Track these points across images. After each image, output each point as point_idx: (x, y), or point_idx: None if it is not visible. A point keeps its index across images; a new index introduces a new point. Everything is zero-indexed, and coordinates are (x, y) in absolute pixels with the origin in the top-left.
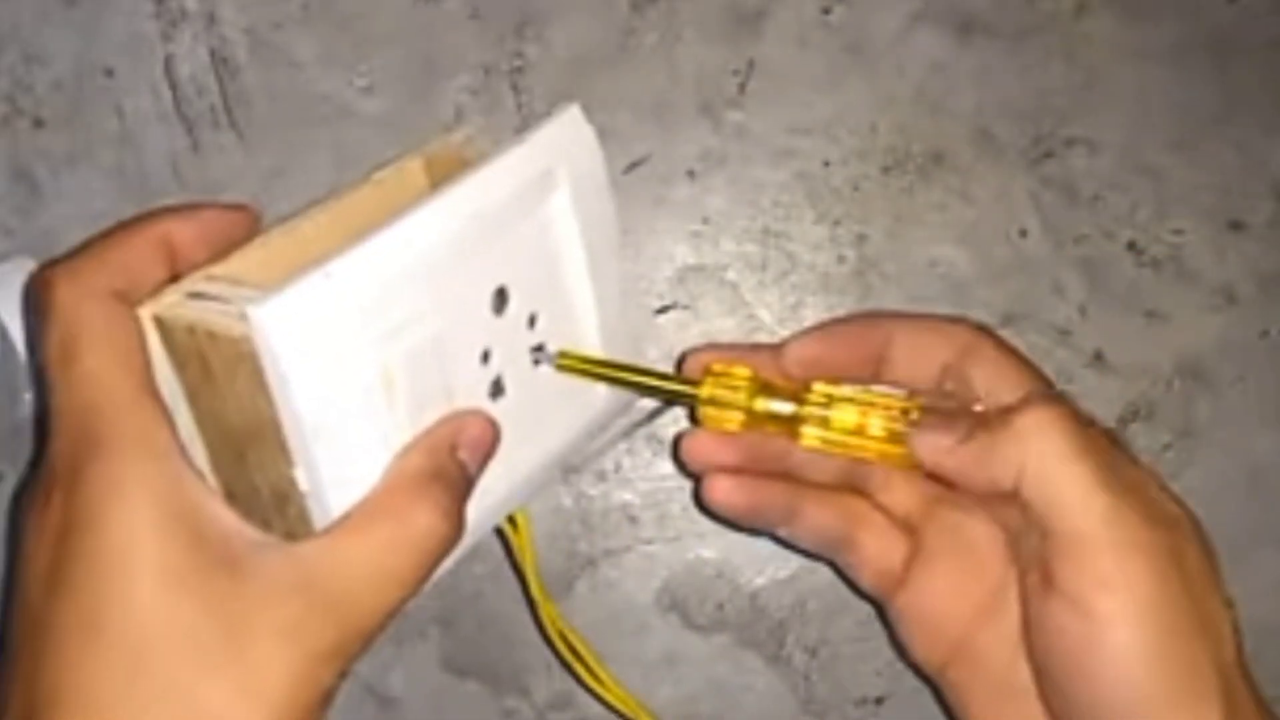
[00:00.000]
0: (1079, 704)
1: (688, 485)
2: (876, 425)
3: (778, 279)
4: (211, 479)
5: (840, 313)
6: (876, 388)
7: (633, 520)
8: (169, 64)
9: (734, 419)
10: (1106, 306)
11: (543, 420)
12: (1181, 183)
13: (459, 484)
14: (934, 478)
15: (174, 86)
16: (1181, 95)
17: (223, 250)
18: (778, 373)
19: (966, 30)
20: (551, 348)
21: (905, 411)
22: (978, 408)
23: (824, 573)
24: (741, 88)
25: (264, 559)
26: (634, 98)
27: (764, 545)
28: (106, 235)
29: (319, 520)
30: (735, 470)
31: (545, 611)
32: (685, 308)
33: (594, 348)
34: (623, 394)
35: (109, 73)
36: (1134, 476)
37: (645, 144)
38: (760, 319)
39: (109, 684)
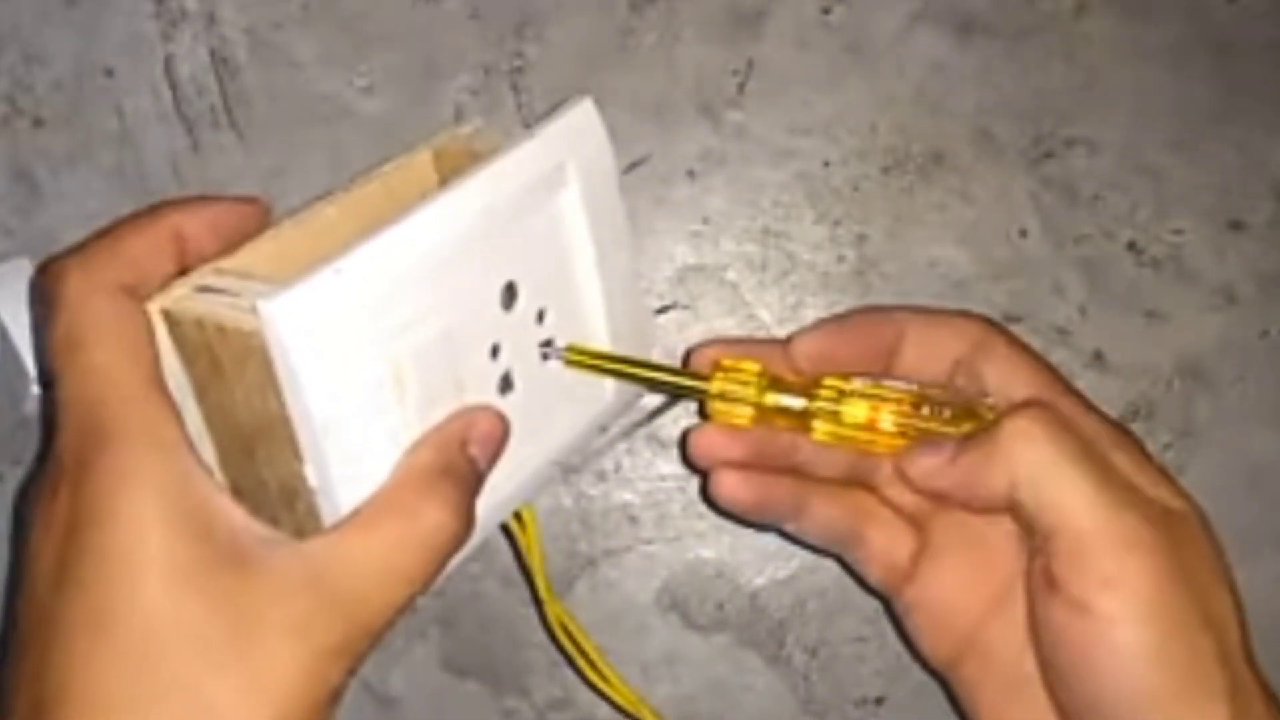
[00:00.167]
0: (1085, 701)
1: (688, 485)
2: (888, 420)
3: (778, 279)
4: (219, 474)
5: (841, 312)
6: (887, 382)
7: (633, 520)
8: (169, 64)
9: (744, 414)
10: (1106, 306)
11: (551, 415)
12: (1181, 183)
13: (469, 480)
14: (934, 498)
15: (174, 86)
16: (1181, 95)
17: (232, 244)
18: (786, 367)
19: (966, 30)
20: (560, 343)
21: (916, 406)
22: (989, 402)
23: (824, 572)
24: (741, 88)
25: (272, 555)
26: (634, 97)
27: (764, 545)
28: (115, 228)
29: (328, 517)
30: (742, 465)
31: (552, 610)
32: (685, 308)
33: (602, 343)
34: (630, 389)
35: (109, 73)
36: (1128, 473)
37: (645, 144)
38: (760, 319)
39: (116, 681)
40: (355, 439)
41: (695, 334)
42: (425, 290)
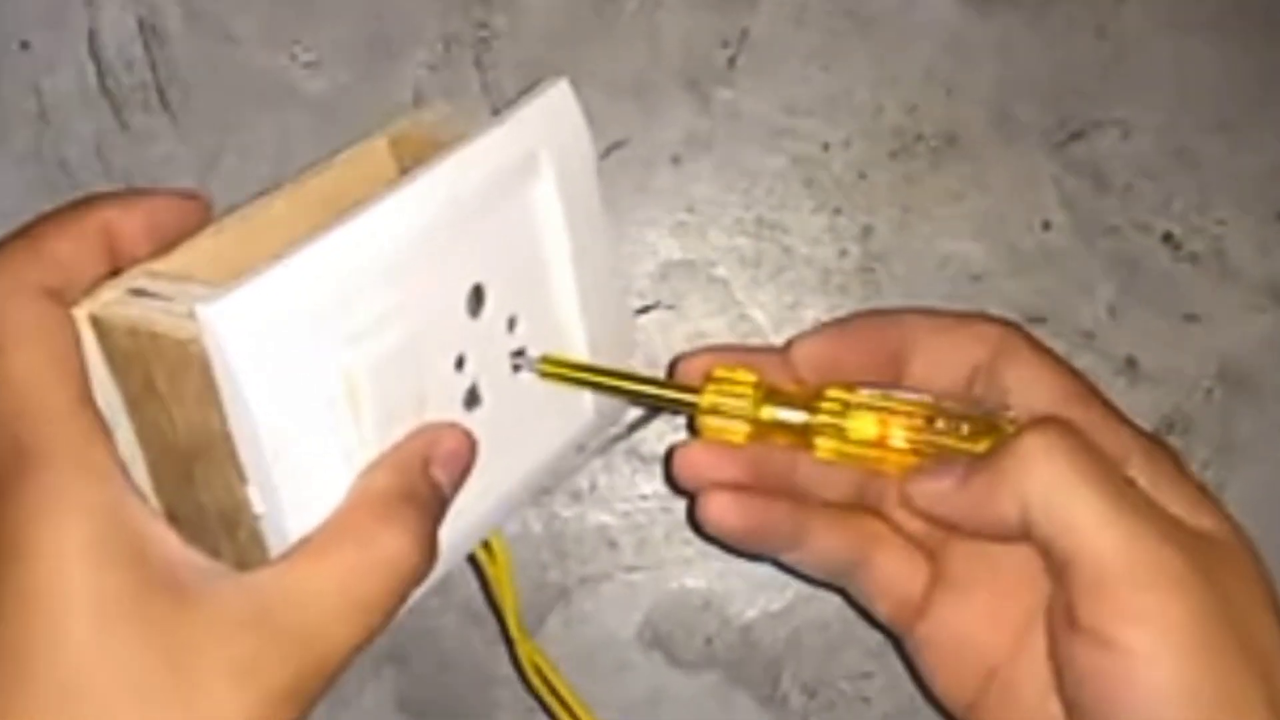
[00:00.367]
0: None
1: (673, 506)
2: (899, 435)
3: (772, 276)
4: (153, 499)
5: (842, 314)
6: (897, 393)
7: (611, 545)
8: (93, 37)
9: (738, 430)
10: (1139, 307)
11: (523, 433)
12: (1223, 169)
13: (432, 505)
14: (942, 526)
15: (98, 61)
16: (1224, 72)
17: (169, 243)
18: (785, 377)
19: None
20: (533, 352)
21: (930, 420)
22: (1010, 415)
23: (823, 602)
24: (731, 62)
25: (213, 588)
26: (611, 73)
27: (756, 573)
28: (37, 225)
29: (275, 545)
30: (735, 487)
31: (523, 650)
32: (669, 308)
33: (580, 353)
34: (611, 404)
35: (25, 45)
36: (1157, 493)
37: (624, 126)
38: (753, 320)
39: None
40: (305, 459)
41: (679, 337)
42: (383, 294)
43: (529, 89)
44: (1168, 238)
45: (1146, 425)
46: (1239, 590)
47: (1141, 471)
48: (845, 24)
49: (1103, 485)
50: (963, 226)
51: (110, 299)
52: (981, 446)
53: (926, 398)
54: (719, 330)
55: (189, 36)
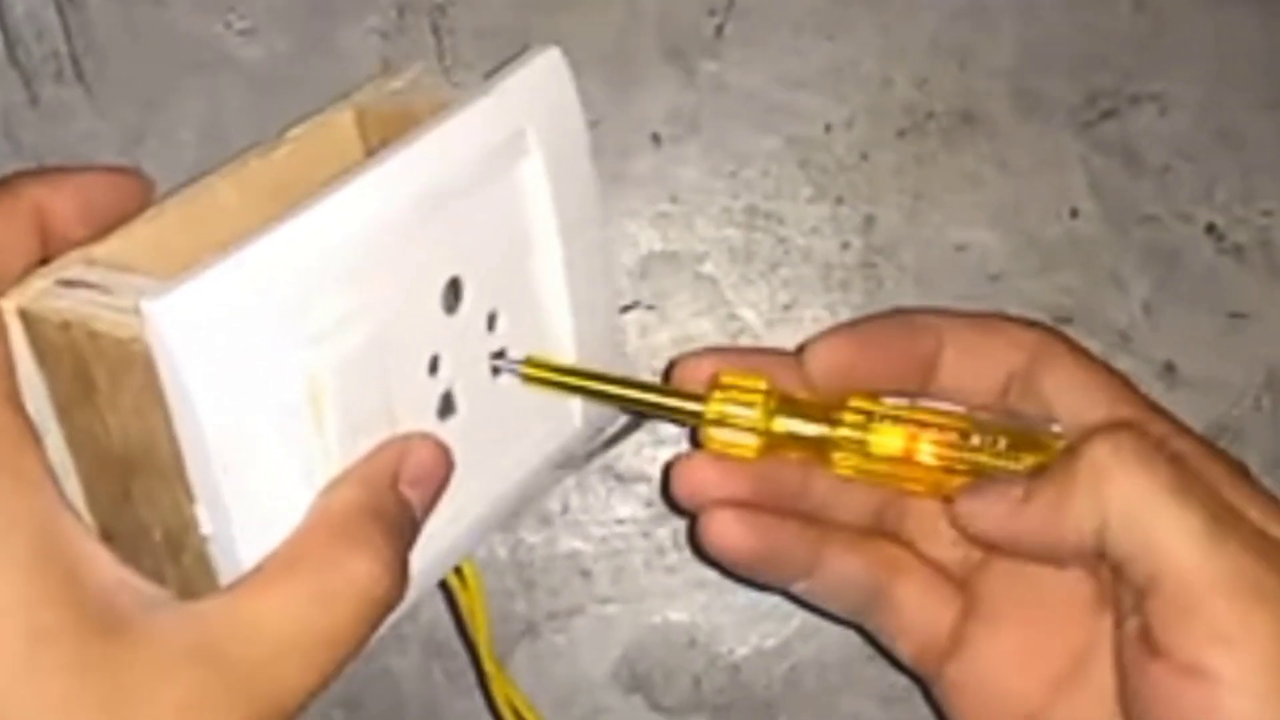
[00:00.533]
0: None
1: (653, 530)
2: (927, 451)
3: (766, 272)
4: (86, 516)
5: (844, 313)
6: (925, 403)
7: (584, 575)
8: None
9: (748, 443)
10: (1178, 306)
11: (504, 445)
12: (1272, 151)
13: (402, 526)
14: (992, 550)
15: (5, 29)
16: (1271, 43)
17: (106, 227)
18: (799, 384)
19: None
20: (515, 354)
21: (964, 434)
22: (1055, 429)
23: (824, 639)
24: (719, 30)
25: (155, 620)
26: (583, 43)
27: (749, 605)
28: None
29: (225, 571)
30: (741, 505)
31: (498, 688)
32: (649, 307)
33: (568, 355)
34: (602, 413)
35: None
36: (1243, 508)
37: (599, 102)
38: (744, 321)
39: None
40: (260, 474)
41: (662, 341)
42: (348, 289)
43: (499, 61)
44: (1210, 229)
45: None
46: None
47: (1216, 484)
48: None
49: (1188, 496)
50: (979, 215)
51: (41, 289)
52: (1023, 464)
53: (960, 409)
54: (706, 333)
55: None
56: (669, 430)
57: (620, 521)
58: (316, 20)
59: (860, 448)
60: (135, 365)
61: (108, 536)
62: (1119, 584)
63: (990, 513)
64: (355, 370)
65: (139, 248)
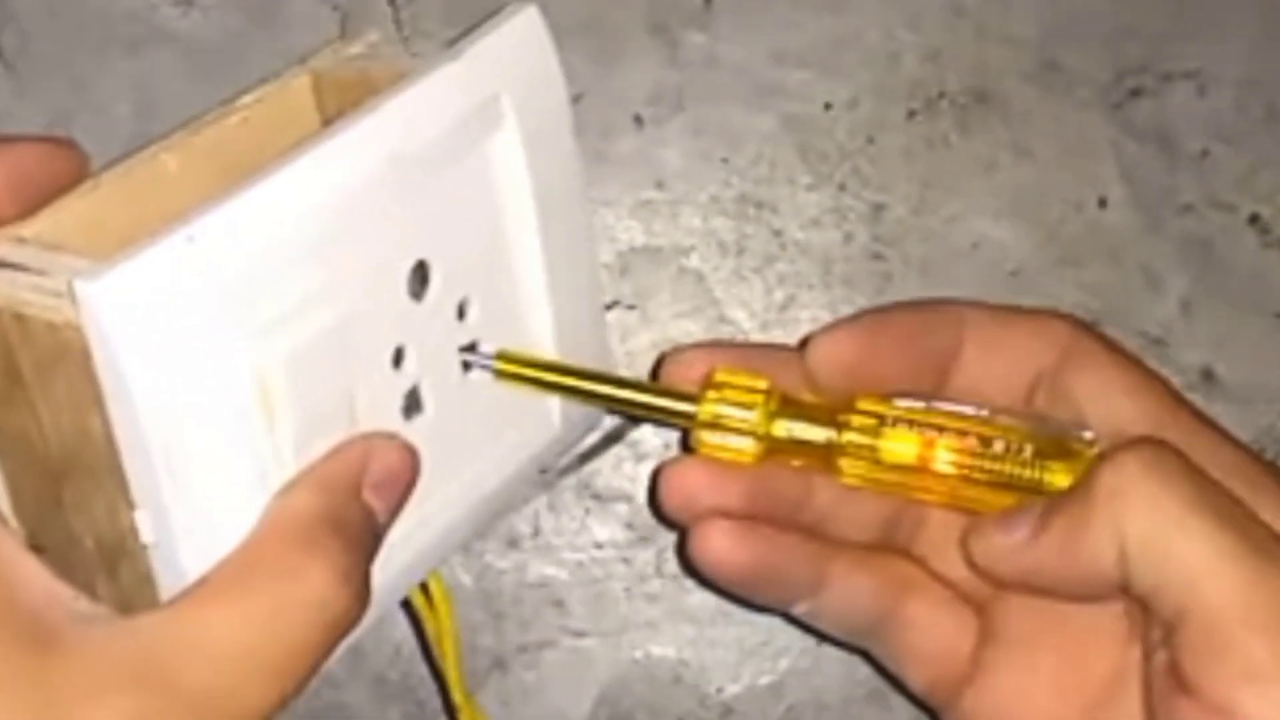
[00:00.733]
0: None
1: (633, 555)
2: (944, 459)
3: (759, 267)
4: (13, 523)
5: (847, 312)
6: (941, 405)
7: (558, 605)
8: None
9: (745, 449)
10: (1218, 305)
11: (475, 448)
12: None
13: (363, 536)
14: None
15: None
16: None
17: (36, 202)
18: (797, 382)
19: None
20: (488, 347)
21: (985, 440)
22: (1086, 435)
23: (823, 675)
24: (708, 0)
25: (90, 637)
26: (559, 12)
27: (740, 639)
28: None
29: (168, 584)
30: (737, 516)
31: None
32: (630, 307)
33: (546, 348)
34: (583, 413)
35: None
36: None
37: (577, 79)
38: (735, 321)
39: None
40: (206, 477)
41: (644, 343)
42: (304, 272)
43: (470, 26)
44: (1254, 220)
45: None
46: None
47: (1249, 498)
48: None
49: (1217, 518)
50: (996, 205)
51: None
52: (1052, 476)
53: (981, 411)
54: (692, 335)
55: None
56: (652, 444)
57: (598, 545)
58: None
59: (870, 454)
60: (68, 354)
61: (37, 547)
62: (1147, 615)
63: (999, 548)
64: (311, 361)
65: (73, 225)
